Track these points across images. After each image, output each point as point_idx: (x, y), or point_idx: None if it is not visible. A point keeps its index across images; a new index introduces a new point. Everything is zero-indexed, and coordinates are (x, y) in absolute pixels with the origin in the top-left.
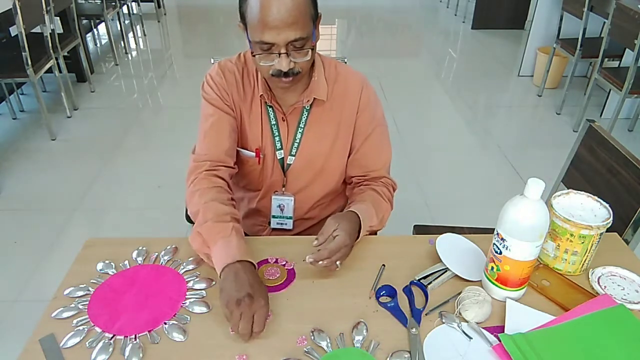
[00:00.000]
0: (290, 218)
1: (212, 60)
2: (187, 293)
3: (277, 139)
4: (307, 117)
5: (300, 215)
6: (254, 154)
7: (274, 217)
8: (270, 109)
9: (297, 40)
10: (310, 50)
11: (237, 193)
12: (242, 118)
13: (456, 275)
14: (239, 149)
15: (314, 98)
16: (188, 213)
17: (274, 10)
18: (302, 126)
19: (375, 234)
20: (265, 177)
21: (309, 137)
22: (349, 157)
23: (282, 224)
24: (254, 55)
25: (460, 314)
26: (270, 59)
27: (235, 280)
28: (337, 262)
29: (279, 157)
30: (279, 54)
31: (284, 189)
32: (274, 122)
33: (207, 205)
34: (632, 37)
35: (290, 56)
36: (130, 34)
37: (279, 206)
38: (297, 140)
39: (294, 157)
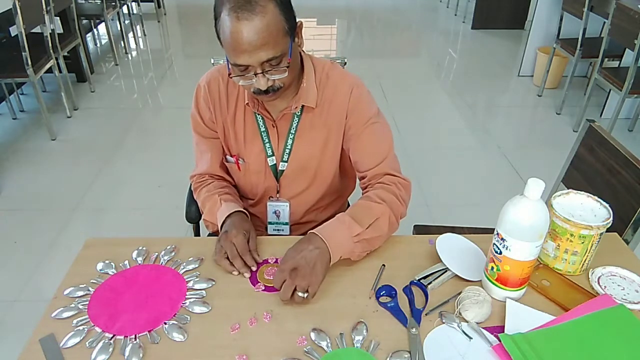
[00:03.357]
0: (287, 224)
1: (212, 61)
2: (187, 293)
3: (267, 145)
4: (297, 123)
5: (297, 219)
6: (234, 160)
7: (270, 223)
8: (259, 116)
9: (271, 59)
10: (286, 67)
11: None
12: (225, 129)
13: (456, 275)
14: (226, 156)
15: (303, 105)
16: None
17: (243, 33)
18: (293, 132)
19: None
20: (254, 183)
21: (300, 143)
22: (349, 161)
23: (278, 230)
24: (230, 77)
25: (460, 314)
26: (248, 79)
27: (222, 230)
28: (299, 293)
29: (270, 164)
30: (255, 74)
31: (278, 195)
32: (264, 129)
33: (202, 198)
34: (632, 37)
35: (267, 74)
36: (130, 34)
37: (275, 212)
38: (289, 147)
39: (286, 163)
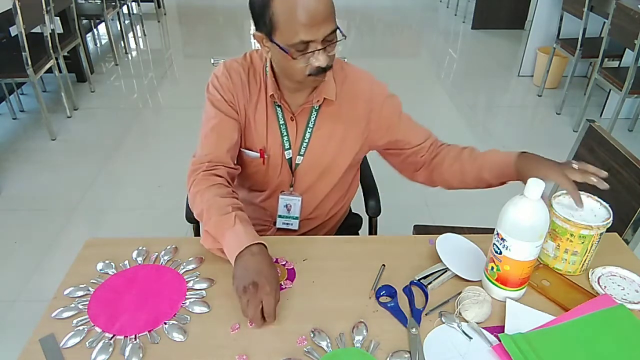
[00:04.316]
0: (297, 218)
1: (212, 61)
2: (187, 293)
3: (285, 138)
4: (316, 116)
5: (305, 215)
6: (258, 154)
7: (280, 216)
8: (279, 109)
9: (332, 33)
10: (341, 39)
11: (241, 193)
12: (247, 119)
13: (456, 275)
14: (243, 150)
15: (324, 98)
16: (194, 215)
17: (310, 7)
18: (312, 126)
19: (374, 226)
20: (271, 177)
21: (318, 137)
22: (397, 153)
23: (288, 224)
24: (294, 58)
25: (460, 314)
26: (307, 58)
27: (244, 268)
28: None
29: (287, 157)
30: (315, 51)
31: (291, 188)
32: (282, 122)
33: (209, 203)
34: (632, 37)
35: (327, 50)
36: (130, 34)
37: (286, 206)
38: (306, 140)
39: (302, 157)
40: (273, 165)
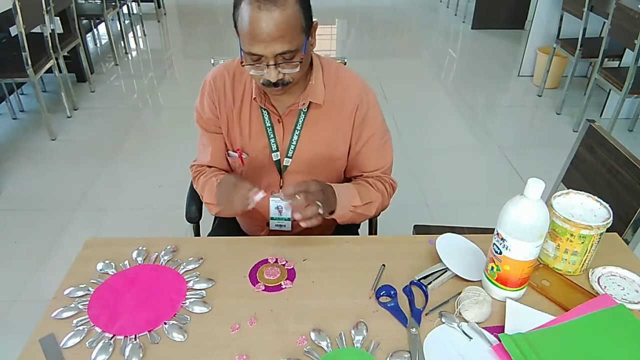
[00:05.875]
0: (289, 220)
1: (212, 61)
2: (187, 293)
3: (272, 140)
4: (303, 119)
5: None
6: (237, 154)
7: (272, 219)
8: (265, 112)
9: (286, 53)
10: (299, 62)
11: None
12: (229, 121)
13: (456, 275)
14: (228, 152)
15: (310, 101)
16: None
17: (262, 23)
18: (299, 128)
19: (374, 226)
20: (256, 178)
21: (305, 139)
22: (347, 159)
23: (280, 225)
24: (243, 65)
25: (460, 314)
26: (259, 69)
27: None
28: (318, 203)
29: (274, 159)
30: (268, 65)
31: (281, 190)
32: (269, 124)
33: (201, 184)
34: (632, 37)
35: (279, 67)
36: (130, 34)
37: (277, 208)
38: (294, 143)
39: (290, 159)
40: (258, 166)
